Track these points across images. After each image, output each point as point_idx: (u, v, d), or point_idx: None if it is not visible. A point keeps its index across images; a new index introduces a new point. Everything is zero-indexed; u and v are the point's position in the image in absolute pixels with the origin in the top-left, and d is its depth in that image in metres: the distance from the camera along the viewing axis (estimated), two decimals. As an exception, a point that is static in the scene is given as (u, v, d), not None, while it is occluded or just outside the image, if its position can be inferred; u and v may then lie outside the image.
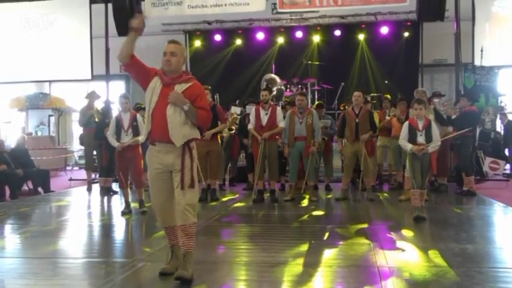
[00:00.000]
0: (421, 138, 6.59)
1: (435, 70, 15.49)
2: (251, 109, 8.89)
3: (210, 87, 8.50)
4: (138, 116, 7.70)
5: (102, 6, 13.59)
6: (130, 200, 7.64)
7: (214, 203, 8.34)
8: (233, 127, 10.11)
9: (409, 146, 6.60)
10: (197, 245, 5.16)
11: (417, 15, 12.06)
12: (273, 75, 13.34)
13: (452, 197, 8.91)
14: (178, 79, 4.10)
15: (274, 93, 12.10)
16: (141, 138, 7.21)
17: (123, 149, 7.36)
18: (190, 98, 4.03)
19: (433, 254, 4.80)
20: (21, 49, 14.45)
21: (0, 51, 14.62)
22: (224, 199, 8.91)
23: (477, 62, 12.21)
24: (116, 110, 9.51)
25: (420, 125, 6.64)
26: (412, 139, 6.63)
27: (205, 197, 8.46)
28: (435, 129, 6.70)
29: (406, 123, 6.81)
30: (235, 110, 10.76)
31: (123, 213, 7.42)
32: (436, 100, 9.76)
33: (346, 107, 9.38)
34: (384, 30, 14.89)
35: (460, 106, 9.26)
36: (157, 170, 4.10)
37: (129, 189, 7.62)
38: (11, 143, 13.90)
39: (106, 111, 9.82)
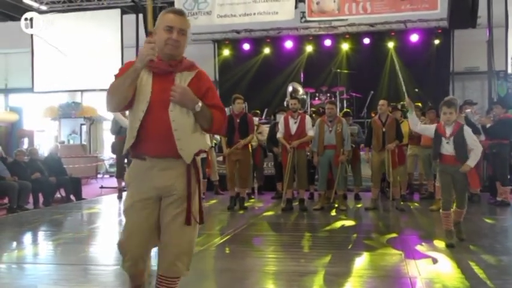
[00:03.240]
0: (448, 147, 5.51)
1: (467, 78, 15.24)
2: (281, 118, 8.91)
3: (242, 97, 8.54)
4: None
5: (133, 16, 13.86)
6: None
7: (242, 212, 8.35)
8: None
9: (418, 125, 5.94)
10: (226, 253, 5.18)
11: (448, 22, 11.90)
12: (297, 85, 13.46)
13: (486, 207, 8.71)
14: (180, 66, 2.90)
15: None
16: None
17: None
18: (197, 94, 2.85)
19: (467, 265, 4.69)
20: (54, 59, 14.78)
21: (35, 63, 14.99)
22: (253, 207, 8.91)
23: (510, 70, 11.97)
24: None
25: (448, 131, 5.52)
26: (436, 147, 5.63)
27: (234, 204, 8.47)
28: (469, 136, 5.52)
29: (433, 126, 5.83)
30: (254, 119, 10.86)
31: None
32: (468, 111, 9.59)
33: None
34: (414, 37, 14.74)
35: (494, 114, 9.04)
36: (142, 196, 2.85)
37: None
38: (44, 151, 14.19)
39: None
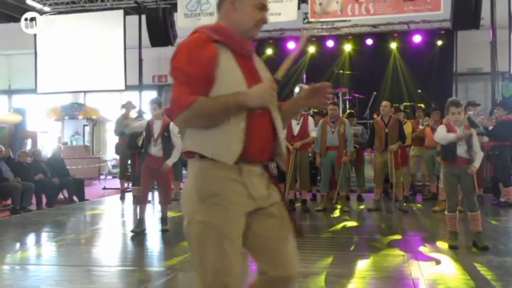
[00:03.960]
0: (461, 149, 5.36)
1: (470, 79, 15.21)
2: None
3: None
4: (172, 125, 6.55)
5: (135, 17, 13.89)
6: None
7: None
8: None
9: (451, 135, 5.31)
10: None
11: (452, 23, 11.88)
12: (305, 87, 13.44)
13: (489, 208, 8.68)
14: (252, 46, 2.41)
15: None
16: (171, 159, 6.52)
17: (150, 160, 6.59)
18: None
19: (470, 266, 4.68)
20: (57, 60, 14.82)
21: (38, 64, 15.04)
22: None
23: (512, 71, 11.97)
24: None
25: (459, 132, 5.35)
26: (452, 149, 5.38)
27: None
28: (475, 139, 5.44)
29: (442, 127, 5.53)
30: None
31: (135, 233, 6.59)
32: (470, 112, 9.58)
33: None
34: (417, 38, 14.70)
35: (496, 116, 9.04)
36: (243, 210, 2.29)
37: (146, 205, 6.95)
38: (47, 152, 14.22)
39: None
